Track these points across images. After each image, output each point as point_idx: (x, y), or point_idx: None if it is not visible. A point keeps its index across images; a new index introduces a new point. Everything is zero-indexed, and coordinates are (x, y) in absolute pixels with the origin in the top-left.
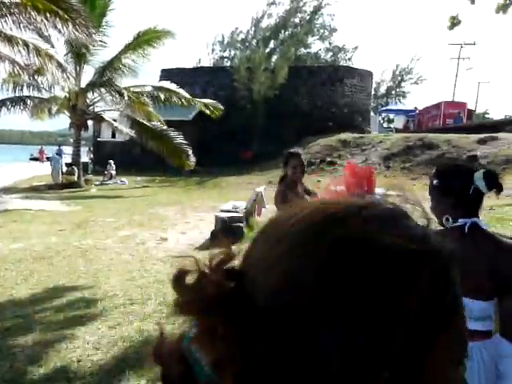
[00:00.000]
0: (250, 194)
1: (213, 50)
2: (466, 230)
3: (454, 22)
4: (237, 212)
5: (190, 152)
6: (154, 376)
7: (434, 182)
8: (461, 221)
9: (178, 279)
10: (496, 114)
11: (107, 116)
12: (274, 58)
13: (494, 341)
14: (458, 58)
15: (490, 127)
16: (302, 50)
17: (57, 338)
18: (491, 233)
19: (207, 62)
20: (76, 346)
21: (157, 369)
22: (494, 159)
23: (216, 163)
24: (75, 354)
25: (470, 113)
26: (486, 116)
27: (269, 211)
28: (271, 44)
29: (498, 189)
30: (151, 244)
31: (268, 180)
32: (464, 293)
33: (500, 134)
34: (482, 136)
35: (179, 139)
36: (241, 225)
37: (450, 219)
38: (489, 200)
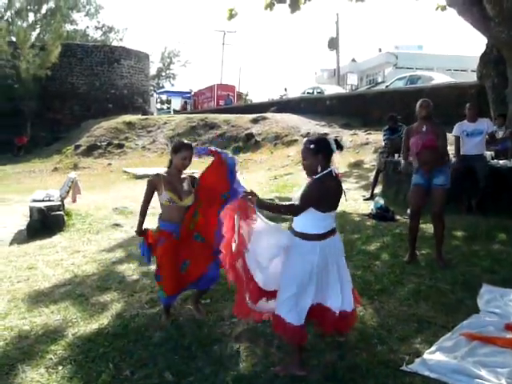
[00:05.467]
0: (37, 183)
1: None
2: (334, 174)
3: (232, 14)
4: (52, 201)
5: None
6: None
7: (310, 146)
8: (330, 168)
9: None
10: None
11: None
12: (37, 32)
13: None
14: (223, 44)
15: (257, 108)
16: (69, 27)
17: None
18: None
19: None
20: None
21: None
22: (266, 136)
23: None
24: None
25: (239, 95)
26: (248, 98)
27: (84, 198)
28: (31, 17)
29: (341, 149)
30: None
31: (54, 167)
32: (333, 209)
33: (268, 114)
34: (254, 116)
35: None
36: (61, 213)
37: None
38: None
